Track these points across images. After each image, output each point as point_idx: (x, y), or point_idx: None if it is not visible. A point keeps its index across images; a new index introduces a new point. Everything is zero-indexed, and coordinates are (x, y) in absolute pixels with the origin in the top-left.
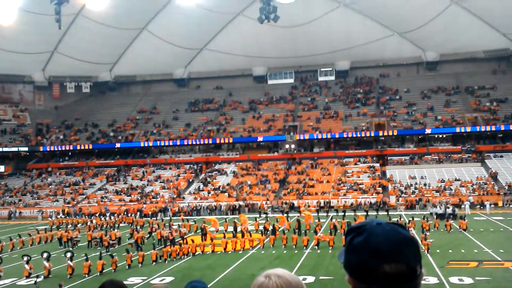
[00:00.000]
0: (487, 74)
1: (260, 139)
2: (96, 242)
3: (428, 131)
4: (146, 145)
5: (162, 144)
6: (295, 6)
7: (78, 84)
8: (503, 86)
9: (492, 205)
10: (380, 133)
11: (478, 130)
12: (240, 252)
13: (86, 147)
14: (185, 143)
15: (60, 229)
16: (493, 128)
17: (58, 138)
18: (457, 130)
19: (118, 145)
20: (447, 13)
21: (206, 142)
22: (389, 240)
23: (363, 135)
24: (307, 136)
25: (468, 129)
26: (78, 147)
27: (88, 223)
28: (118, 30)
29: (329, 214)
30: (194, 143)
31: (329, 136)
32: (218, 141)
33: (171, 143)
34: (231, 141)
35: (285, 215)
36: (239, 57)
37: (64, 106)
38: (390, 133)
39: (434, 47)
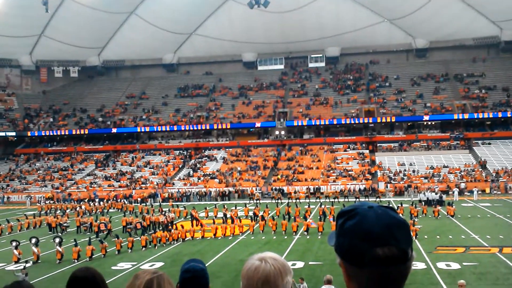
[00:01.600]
0: (476, 61)
1: (258, 125)
2: (86, 227)
3: (426, 117)
4: (135, 130)
5: (152, 129)
6: None
7: (66, 68)
8: (492, 73)
9: (480, 192)
10: (370, 120)
11: (467, 117)
12: (230, 237)
13: (75, 132)
14: (175, 128)
15: (49, 215)
16: (482, 116)
17: (46, 123)
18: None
19: (114, 130)
20: (437, 1)
21: (195, 128)
22: (381, 223)
23: (352, 121)
24: (297, 123)
25: (456, 116)
26: (67, 132)
27: (77, 209)
28: (107, 13)
29: (319, 200)
30: (183, 129)
31: (319, 123)
32: (208, 127)
33: (160, 129)
34: (221, 127)
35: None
36: (229, 42)
37: (52, 90)
38: (379, 120)
39: (423, 34)
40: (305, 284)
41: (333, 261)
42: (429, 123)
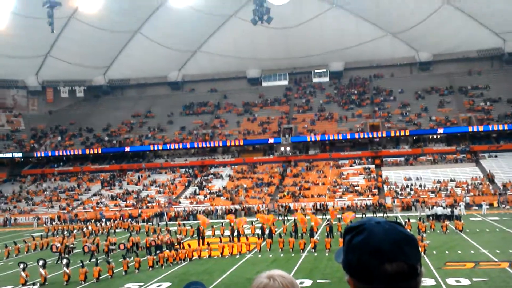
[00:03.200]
0: (480, 73)
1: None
2: (93, 248)
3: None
4: (141, 149)
5: (157, 148)
6: (288, 7)
7: (72, 88)
8: (496, 85)
9: (488, 206)
10: (375, 134)
11: (472, 130)
12: (237, 256)
13: (81, 152)
14: (180, 147)
15: (56, 236)
16: (488, 128)
17: (52, 143)
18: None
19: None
20: (440, 13)
21: (201, 145)
22: (390, 239)
23: (357, 136)
24: (302, 139)
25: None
26: (72, 152)
27: (84, 229)
28: (111, 33)
29: (326, 216)
30: (189, 146)
31: (324, 138)
32: (214, 144)
33: (166, 147)
34: (230, 143)
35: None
36: (233, 59)
37: (58, 110)
38: (385, 134)
39: (427, 47)
40: None
41: (341, 278)
42: (435, 136)
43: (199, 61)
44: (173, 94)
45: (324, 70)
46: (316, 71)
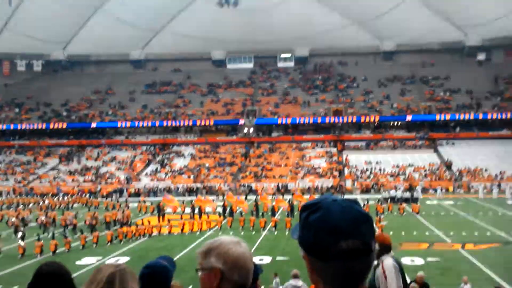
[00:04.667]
0: (441, 65)
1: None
2: (48, 222)
3: (408, 117)
4: (108, 125)
5: (124, 125)
6: None
7: (29, 62)
8: (456, 76)
9: (444, 191)
10: (339, 120)
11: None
12: (197, 233)
13: (45, 126)
14: (142, 125)
15: (10, 209)
16: (447, 117)
17: (7, 116)
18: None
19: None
20: (405, 5)
21: (163, 124)
22: (346, 217)
23: (320, 120)
24: (267, 121)
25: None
26: (29, 127)
27: (40, 203)
28: (73, 7)
29: (285, 197)
30: (151, 125)
31: (288, 122)
32: (176, 124)
33: (127, 125)
34: (197, 124)
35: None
36: (198, 39)
37: (14, 84)
38: (349, 120)
39: (391, 37)
40: (278, 279)
41: (300, 257)
42: (396, 123)
43: (163, 40)
44: (135, 72)
45: (290, 55)
46: (282, 56)
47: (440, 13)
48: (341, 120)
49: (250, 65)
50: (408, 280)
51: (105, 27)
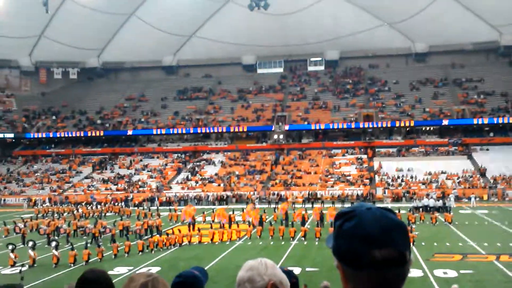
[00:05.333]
0: (475, 66)
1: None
2: (82, 231)
3: (445, 122)
4: (144, 133)
5: (150, 133)
6: None
7: (65, 70)
8: (490, 78)
9: (477, 198)
10: (369, 125)
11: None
12: (227, 243)
13: (83, 134)
14: (173, 131)
15: (45, 218)
16: (481, 121)
17: (44, 125)
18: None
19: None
20: (437, 4)
21: (194, 131)
22: (380, 225)
23: (351, 126)
24: (294, 127)
25: (446, 122)
26: (65, 135)
27: (74, 212)
28: (107, 15)
29: (314, 205)
30: (182, 132)
31: (318, 127)
32: (206, 131)
33: (159, 132)
34: (230, 130)
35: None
36: (228, 45)
37: (51, 92)
38: (379, 125)
39: (423, 38)
40: None
41: (330, 267)
42: (428, 128)
43: (194, 46)
44: (167, 79)
45: (320, 59)
46: (312, 59)
47: (473, 12)
48: (372, 125)
49: (280, 70)
50: None
51: (138, 34)
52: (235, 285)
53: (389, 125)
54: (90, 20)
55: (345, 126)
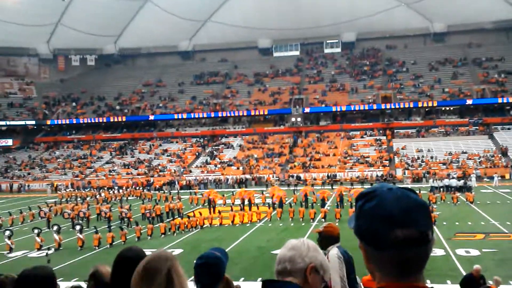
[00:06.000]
0: (495, 45)
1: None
2: (105, 215)
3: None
4: (166, 118)
5: (168, 117)
6: None
7: (83, 56)
8: (511, 57)
9: (499, 178)
10: (388, 106)
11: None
12: (248, 224)
13: (93, 121)
14: (191, 116)
15: (69, 202)
16: (502, 100)
17: (64, 111)
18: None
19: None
20: None
21: (212, 115)
22: (401, 205)
23: (369, 108)
24: (313, 109)
25: (470, 101)
26: (85, 121)
27: (97, 196)
28: (122, 1)
29: (334, 187)
30: (200, 116)
31: (335, 109)
32: (224, 115)
33: (177, 117)
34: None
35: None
36: (244, 29)
37: (69, 79)
38: (397, 106)
39: (441, 18)
40: None
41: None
42: (448, 108)
43: (210, 30)
44: (184, 64)
45: (336, 41)
46: (328, 41)
47: None
48: (391, 106)
49: (296, 53)
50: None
51: (153, 19)
52: (276, 261)
53: (410, 105)
54: (106, 7)
55: (363, 108)
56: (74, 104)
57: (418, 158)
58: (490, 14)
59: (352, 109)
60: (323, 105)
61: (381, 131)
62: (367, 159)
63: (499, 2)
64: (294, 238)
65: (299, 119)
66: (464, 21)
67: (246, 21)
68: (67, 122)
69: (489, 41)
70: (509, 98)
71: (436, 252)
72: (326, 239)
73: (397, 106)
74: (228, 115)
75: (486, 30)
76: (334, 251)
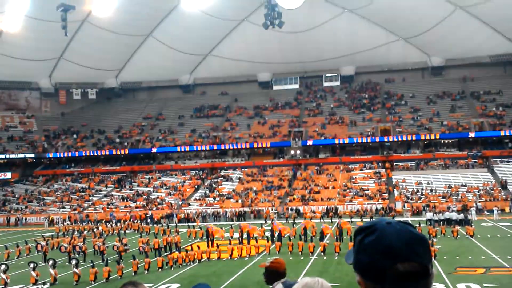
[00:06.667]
0: (493, 79)
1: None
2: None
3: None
4: (169, 150)
5: (168, 150)
6: (300, 12)
7: (84, 90)
8: (509, 91)
9: (499, 211)
10: (386, 139)
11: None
12: (246, 258)
13: (93, 153)
14: (191, 149)
15: (66, 236)
16: (508, 133)
17: (64, 144)
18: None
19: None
20: (452, 18)
21: (211, 148)
22: (401, 239)
23: (368, 140)
24: (312, 142)
25: (472, 134)
26: (85, 154)
27: (94, 230)
28: (124, 36)
29: (333, 220)
30: (199, 149)
31: (335, 142)
32: (223, 147)
33: (179, 149)
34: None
35: (291, 222)
36: (244, 62)
37: (70, 112)
38: (396, 139)
39: (439, 52)
40: None
41: (350, 282)
42: (446, 141)
43: (211, 64)
44: (184, 97)
45: (335, 74)
46: (327, 75)
47: (489, 25)
48: (389, 139)
49: (296, 86)
50: None
51: (154, 54)
52: None
53: (409, 138)
54: (108, 42)
55: (362, 141)
56: (74, 137)
57: (418, 191)
58: (488, 48)
59: (352, 141)
60: (323, 138)
61: (380, 164)
62: (366, 191)
63: (496, 37)
64: (289, 273)
65: (298, 151)
66: (462, 55)
67: (246, 55)
68: (67, 155)
69: (487, 75)
70: (506, 131)
71: (437, 286)
72: (272, 274)
73: (396, 139)
74: (228, 147)
75: (483, 64)
76: (278, 286)
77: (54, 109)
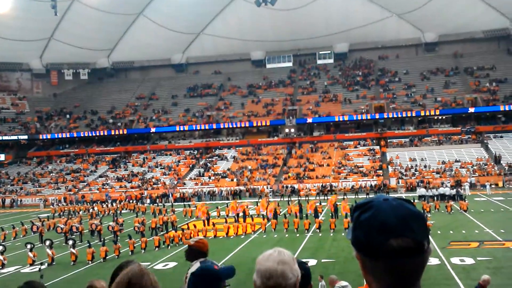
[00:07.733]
0: (486, 54)
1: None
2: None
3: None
4: (166, 130)
5: (162, 130)
6: None
7: (76, 71)
8: (502, 66)
9: (493, 186)
10: (379, 116)
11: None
12: (242, 236)
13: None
14: (185, 128)
15: (62, 217)
16: (508, 108)
17: (57, 125)
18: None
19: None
20: None
21: (205, 127)
22: (396, 215)
23: (362, 118)
24: (306, 120)
25: (472, 110)
26: (78, 135)
27: (90, 210)
28: (115, 15)
29: (328, 197)
30: (193, 128)
31: (328, 120)
32: (217, 126)
33: (176, 129)
34: (231, 126)
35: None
36: (237, 41)
37: (62, 93)
38: (390, 116)
39: (433, 27)
40: (323, 282)
41: (346, 258)
42: (440, 117)
43: (203, 43)
44: (177, 76)
45: (329, 52)
46: (321, 52)
47: (483, 0)
48: (383, 116)
49: (289, 64)
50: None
51: (146, 33)
52: (263, 276)
53: (403, 115)
54: (99, 21)
55: (357, 118)
56: (67, 117)
57: (412, 167)
58: (481, 24)
59: (345, 119)
60: (317, 116)
61: (374, 141)
62: (361, 169)
63: (490, 12)
64: (282, 248)
65: (292, 130)
66: (455, 30)
67: (239, 33)
68: (60, 136)
69: (480, 50)
70: (500, 107)
71: (431, 261)
72: (194, 252)
73: (390, 116)
74: (222, 127)
75: (477, 39)
76: (195, 266)
77: (46, 90)
